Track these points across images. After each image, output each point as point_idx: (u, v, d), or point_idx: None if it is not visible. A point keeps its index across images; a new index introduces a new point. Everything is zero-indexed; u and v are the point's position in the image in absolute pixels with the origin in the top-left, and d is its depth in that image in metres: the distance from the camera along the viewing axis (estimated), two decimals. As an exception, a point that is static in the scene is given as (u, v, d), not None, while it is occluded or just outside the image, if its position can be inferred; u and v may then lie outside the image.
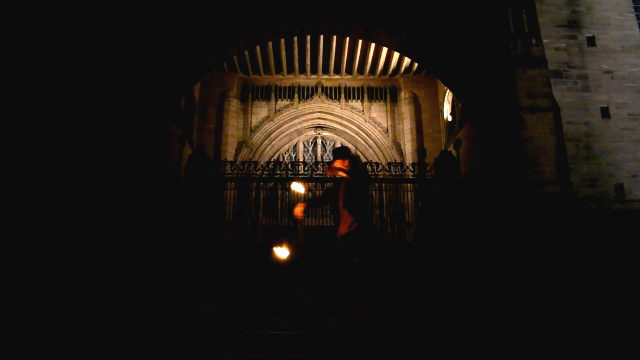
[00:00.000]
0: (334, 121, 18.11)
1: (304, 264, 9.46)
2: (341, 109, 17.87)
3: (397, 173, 10.99)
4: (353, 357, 3.26)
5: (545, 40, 10.53)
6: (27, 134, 8.02)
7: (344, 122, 17.99)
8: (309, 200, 5.30)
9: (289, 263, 9.49)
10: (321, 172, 11.01)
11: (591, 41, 11.49)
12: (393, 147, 17.25)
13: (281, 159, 17.48)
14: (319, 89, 17.97)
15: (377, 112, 17.91)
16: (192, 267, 8.90)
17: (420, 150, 16.33)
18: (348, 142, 18.27)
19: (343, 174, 4.64)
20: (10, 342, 3.57)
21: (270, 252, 8.37)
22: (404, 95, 17.57)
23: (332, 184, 5.24)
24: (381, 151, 17.44)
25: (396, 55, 16.10)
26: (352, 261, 4.56)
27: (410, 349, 3.47)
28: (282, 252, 5.19)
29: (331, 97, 17.95)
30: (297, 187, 5.14)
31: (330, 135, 18.44)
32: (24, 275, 6.91)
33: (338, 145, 18.33)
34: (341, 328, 4.24)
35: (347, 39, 15.08)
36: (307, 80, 18.01)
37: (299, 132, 18.29)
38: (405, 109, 17.39)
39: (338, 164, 4.72)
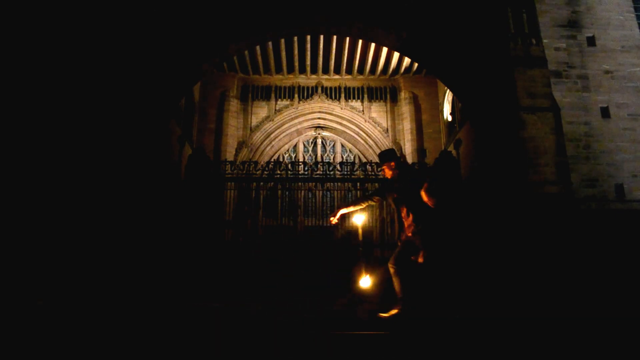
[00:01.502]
0: (334, 121, 18.13)
1: (304, 265, 9.45)
2: (341, 109, 17.89)
3: (397, 173, 10.95)
4: (355, 357, 3.26)
5: (545, 40, 10.54)
6: (28, 134, 8.03)
7: (344, 122, 18.01)
8: (350, 203, 5.42)
9: (289, 264, 9.49)
10: (321, 172, 11.01)
11: (591, 41, 11.50)
12: (393, 147, 17.26)
13: (281, 159, 17.49)
14: (319, 89, 17.98)
15: (377, 112, 17.92)
16: (192, 267, 8.90)
17: (420, 150, 16.34)
18: (348, 142, 18.29)
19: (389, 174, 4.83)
20: (9, 341, 3.58)
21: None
22: (403, 95, 17.59)
23: (350, 184, 5.33)
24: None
25: (396, 55, 16.11)
26: (415, 261, 4.70)
27: (410, 348, 3.48)
28: (364, 282, 5.19)
29: (331, 97, 17.96)
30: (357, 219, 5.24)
31: (330, 135, 18.46)
32: (23, 273, 6.91)
33: (338, 145, 18.35)
34: (339, 328, 4.25)
35: (347, 39, 15.09)
36: (307, 80, 18.02)
37: (299, 132, 18.31)
38: (405, 109, 17.40)
39: (386, 169, 4.90)
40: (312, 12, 10.45)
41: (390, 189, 4.89)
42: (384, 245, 12.12)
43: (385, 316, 4.64)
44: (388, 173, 4.97)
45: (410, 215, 4.73)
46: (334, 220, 5.01)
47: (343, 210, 5.09)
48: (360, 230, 5.38)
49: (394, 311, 4.66)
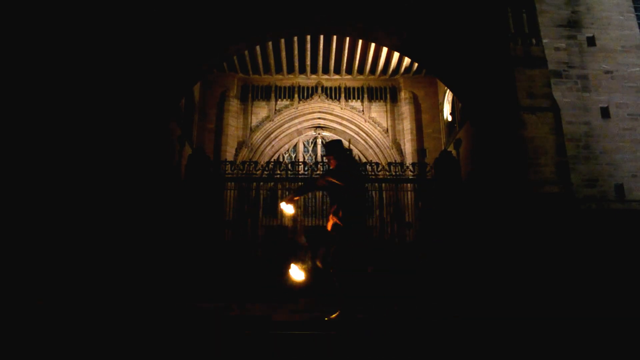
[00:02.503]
0: (334, 121, 18.12)
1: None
2: (341, 109, 17.89)
3: (397, 173, 11.01)
4: (354, 357, 3.27)
5: (545, 40, 10.53)
6: (28, 134, 8.03)
7: (344, 122, 18.00)
8: (295, 190, 5.13)
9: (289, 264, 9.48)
10: (321, 172, 11.02)
11: (591, 41, 11.49)
12: (393, 147, 17.26)
13: (281, 159, 17.49)
14: (319, 89, 17.98)
15: (377, 112, 17.92)
16: (192, 267, 8.91)
17: (420, 150, 16.34)
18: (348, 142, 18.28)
19: (334, 180, 4.55)
20: (8, 341, 3.58)
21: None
22: (403, 95, 17.58)
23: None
24: (381, 151, 17.46)
25: (396, 55, 16.11)
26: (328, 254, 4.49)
27: (410, 349, 3.48)
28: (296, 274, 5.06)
29: (331, 97, 17.96)
30: (287, 209, 4.90)
31: (330, 135, 18.43)
32: (23, 273, 6.92)
33: (338, 145, 18.31)
34: (340, 327, 4.25)
35: (347, 39, 15.09)
36: (307, 80, 18.02)
37: (299, 132, 18.30)
38: (405, 109, 17.40)
39: (332, 160, 4.74)
40: (312, 12, 10.45)
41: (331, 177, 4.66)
42: (383, 244, 12.12)
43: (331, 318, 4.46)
44: (333, 164, 4.80)
45: (333, 209, 4.57)
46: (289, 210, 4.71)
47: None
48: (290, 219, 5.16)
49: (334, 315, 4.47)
